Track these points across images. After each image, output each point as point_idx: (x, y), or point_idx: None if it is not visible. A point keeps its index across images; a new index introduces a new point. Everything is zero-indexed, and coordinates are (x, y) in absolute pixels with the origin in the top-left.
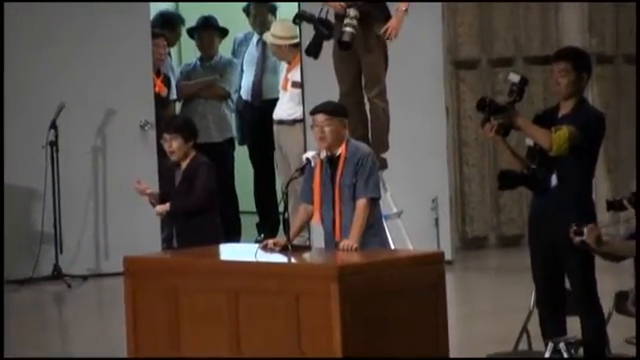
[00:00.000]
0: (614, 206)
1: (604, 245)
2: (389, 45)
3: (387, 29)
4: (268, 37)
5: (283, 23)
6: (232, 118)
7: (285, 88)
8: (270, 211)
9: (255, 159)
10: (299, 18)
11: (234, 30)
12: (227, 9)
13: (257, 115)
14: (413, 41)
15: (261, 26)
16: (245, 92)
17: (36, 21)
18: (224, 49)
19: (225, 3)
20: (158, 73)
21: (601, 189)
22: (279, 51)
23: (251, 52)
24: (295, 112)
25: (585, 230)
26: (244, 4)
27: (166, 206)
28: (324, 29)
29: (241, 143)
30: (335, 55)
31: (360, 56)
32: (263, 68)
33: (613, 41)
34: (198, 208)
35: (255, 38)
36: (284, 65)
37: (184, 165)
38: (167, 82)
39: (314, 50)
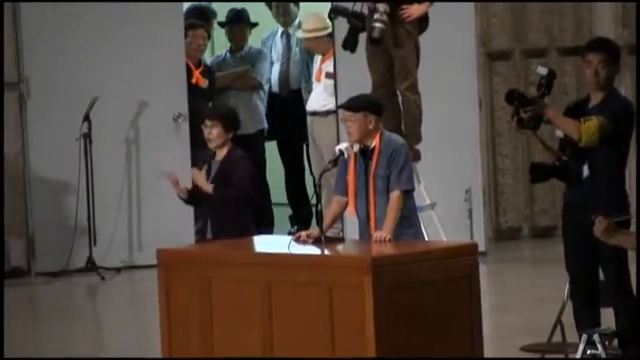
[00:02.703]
0: None
1: (614, 238)
2: (421, 38)
3: (406, 9)
4: (299, 33)
5: (312, 16)
6: (263, 109)
7: (319, 79)
8: (302, 203)
9: (284, 151)
10: (334, 13)
11: (263, 22)
12: (255, 3)
13: (286, 106)
14: (446, 32)
15: (284, 16)
16: (274, 84)
17: (68, 15)
18: (252, 43)
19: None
20: (198, 64)
21: (633, 179)
22: (313, 44)
23: (276, 44)
24: (328, 103)
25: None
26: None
27: (210, 186)
28: (358, 22)
29: (269, 138)
30: (367, 48)
31: (391, 49)
32: (288, 58)
33: None
34: (237, 201)
35: (280, 30)
36: (317, 57)
37: (220, 156)
38: (209, 73)
39: (351, 44)
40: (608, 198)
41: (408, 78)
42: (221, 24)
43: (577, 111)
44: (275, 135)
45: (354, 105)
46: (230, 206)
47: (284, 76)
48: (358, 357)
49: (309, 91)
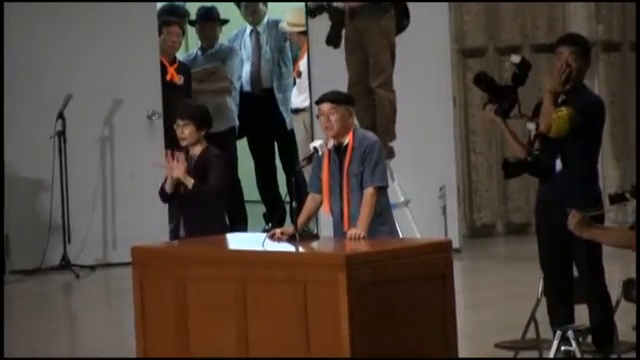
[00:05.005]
0: (616, 199)
1: (587, 232)
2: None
3: None
4: (284, 26)
5: (297, 10)
6: (234, 107)
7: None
8: (274, 201)
9: (256, 149)
10: (315, 10)
11: (234, 19)
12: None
13: (258, 104)
14: (420, 29)
15: (253, 15)
16: (245, 83)
17: (42, 12)
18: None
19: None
20: (173, 61)
21: (609, 177)
22: (293, 38)
23: (246, 43)
24: (297, 101)
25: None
26: None
27: (190, 180)
28: (339, 17)
29: (239, 137)
30: (345, 45)
31: (366, 45)
32: (259, 57)
33: (620, 28)
34: (213, 198)
35: (248, 29)
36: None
37: (195, 154)
38: (184, 69)
39: (334, 40)
40: (581, 193)
41: (381, 75)
42: (191, 22)
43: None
44: (247, 133)
45: (337, 98)
46: (203, 205)
47: (256, 75)
48: (335, 358)
49: (281, 90)
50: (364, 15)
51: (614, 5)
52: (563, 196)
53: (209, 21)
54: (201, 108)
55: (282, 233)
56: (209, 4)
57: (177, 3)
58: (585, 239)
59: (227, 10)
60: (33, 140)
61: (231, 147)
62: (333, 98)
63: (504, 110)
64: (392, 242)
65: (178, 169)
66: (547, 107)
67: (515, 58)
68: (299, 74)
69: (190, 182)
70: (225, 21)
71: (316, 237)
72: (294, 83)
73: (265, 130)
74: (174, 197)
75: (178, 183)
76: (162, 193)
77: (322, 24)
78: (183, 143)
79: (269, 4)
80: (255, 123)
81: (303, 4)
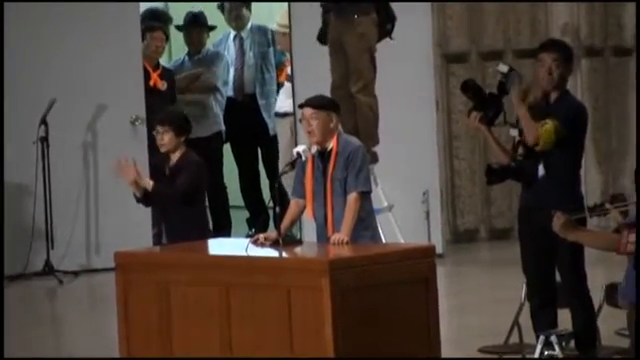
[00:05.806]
0: (595, 210)
1: (572, 234)
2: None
3: None
4: (274, 27)
5: (286, 12)
6: (219, 111)
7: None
8: (258, 206)
9: (239, 155)
10: None
11: (218, 24)
12: (212, 6)
13: (241, 110)
14: (403, 34)
15: (236, 20)
16: (229, 88)
17: (25, 17)
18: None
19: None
20: (156, 66)
21: (592, 182)
22: (283, 40)
23: (229, 48)
24: (284, 105)
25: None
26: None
27: (150, 183)
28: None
29: (225, 140)
30: (329, 46)
31: (346, 49)
32: (243, 62)
33: (602, 34)
34: (173, 202)
35: (232, 34)
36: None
37: (174, 160)
38: (167, 75)
39: (323, 36)
40: (564, 198)
41: (360, 80)
42: (179, 28)
43: (538, 111)
44: (231, 138)
45: (319, 103)
46: (184, 211)
47: (239, 80)
48: (318, 357)
49: (264, 96)
50: (338, 16)
51: (596, 11)
52: (546, 201)
53: (196, 27)
54: (180, 114)
55: (265, 238)
56: (197, 9)
57: (160, 7)
58: (568, 244)
59: (212, 15)
60: (16, 145)
61: (217, 152)
62: (315, 103)
63: (489, 118)
64: (375, 247)
65: (131, 174)
66: (529, 122)
67: (503, 67)
68: (288, 78)
69: (149, 184)
70: (212, 27)
71: (299, 242)
72: (278, 87)
73: (249, 136)
74: (149, 199)
75: (144, 187)
76: (136, 198)
77: (305, 28)
78: (162, 149)
79: (253, 10)
80: (239, 129)
81: (274, 10)
